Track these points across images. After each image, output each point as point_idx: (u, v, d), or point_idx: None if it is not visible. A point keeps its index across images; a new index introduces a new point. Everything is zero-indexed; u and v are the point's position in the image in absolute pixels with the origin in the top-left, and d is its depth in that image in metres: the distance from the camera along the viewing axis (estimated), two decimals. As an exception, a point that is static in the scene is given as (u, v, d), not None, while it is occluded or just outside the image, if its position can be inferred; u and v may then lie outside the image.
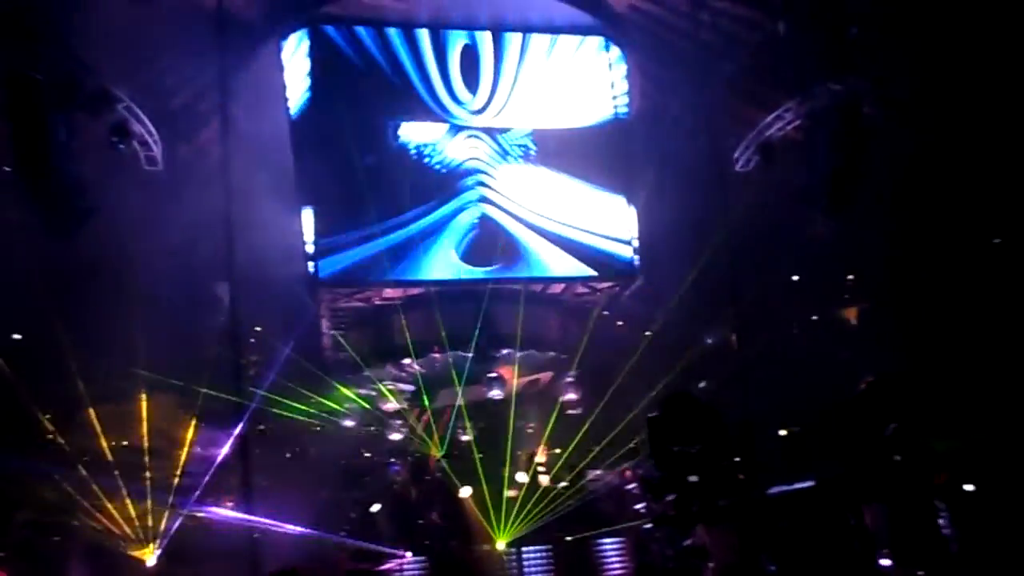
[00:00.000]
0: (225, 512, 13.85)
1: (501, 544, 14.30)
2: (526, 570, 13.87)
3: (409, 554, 13.91)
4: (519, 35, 16.25)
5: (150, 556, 13.51)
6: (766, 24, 14.15)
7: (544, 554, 14.06)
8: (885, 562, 9.20)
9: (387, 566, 13.75)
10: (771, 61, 14.35)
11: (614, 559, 14.31)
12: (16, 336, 13.62)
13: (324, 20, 15.34)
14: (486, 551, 14.26)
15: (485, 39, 16.08)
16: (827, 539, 9.28)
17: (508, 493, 14.91)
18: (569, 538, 14.32)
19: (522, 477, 15.34)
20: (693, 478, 9.51)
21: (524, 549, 14.07)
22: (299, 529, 13.53)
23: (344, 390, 16.07)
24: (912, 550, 9.05)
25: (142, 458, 14.30)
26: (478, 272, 15.79)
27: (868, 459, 8.94)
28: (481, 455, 15.37)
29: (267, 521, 13.22)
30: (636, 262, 16.67)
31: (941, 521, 8.72)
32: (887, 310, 15.34)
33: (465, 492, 14.77)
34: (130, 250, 13.21)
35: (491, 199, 16.07)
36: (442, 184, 15.85)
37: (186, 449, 14.71)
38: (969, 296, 13.55)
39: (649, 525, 14.48)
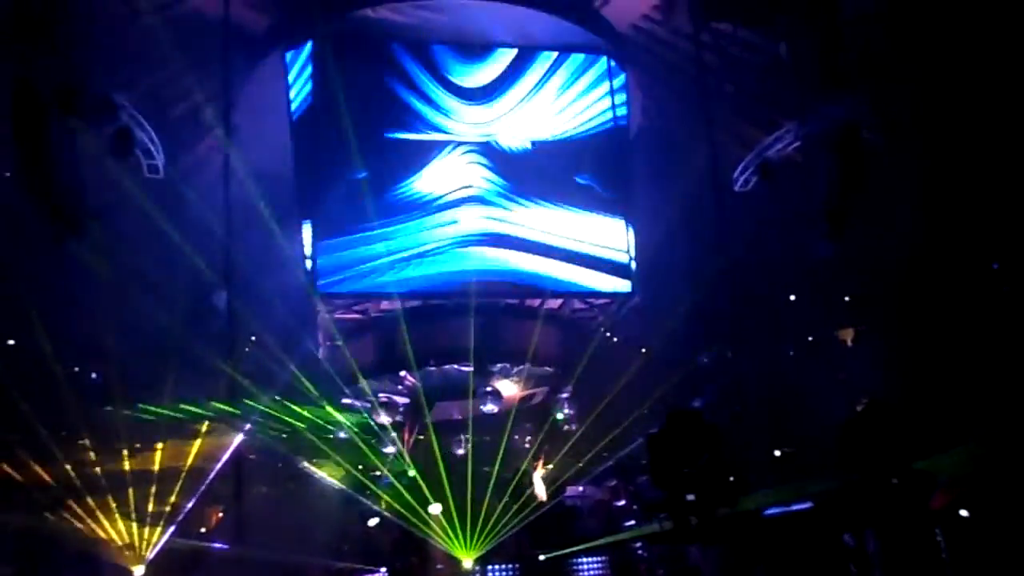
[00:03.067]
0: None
1: (468, 561, 14.05)
2: None
3: (383, 570, 13.85)
4: (523, 52, 16.33)
5: (139, 566, 13.45)
6: (767, 47, 14.27)
7: (510, 572, 13.71)
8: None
9: None
10: (772, 83, 14.47)
11: None
12: (10, 342, 13.61)
13: (329, 35, 15.37)
14: (449, 568, 14.04)
15: (489, 56, 16.16)
16: (823, 562, 9.27)
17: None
18: (543, 556, 14.13)
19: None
20: (691, 497, 9.51)
21: (490, 567, 13.77)
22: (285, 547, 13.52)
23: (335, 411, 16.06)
24: (907, 573, 9.06)
25: (132, 469, 14.28)
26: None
27: (865, 482, 8.95)
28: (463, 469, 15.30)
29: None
30: (633, 279, 16.66)
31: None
32: (884, 332, 15.41)
33: (435, 509, 14.63)
34: (129, 258, 13.23)
35: (488, 215, 16.06)
36: (441, 198, 15.84)
37: (164, 458, 14.69)
38: (967, 318, 13.62)
39: (638, 543, 14.43)
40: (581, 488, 16.08)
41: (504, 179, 16.14)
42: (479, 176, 16.04)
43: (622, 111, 16.79)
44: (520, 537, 14.42)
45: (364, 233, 15.17)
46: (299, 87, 15.44)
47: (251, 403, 14.45)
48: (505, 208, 16.04)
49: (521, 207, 16.12)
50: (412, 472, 15.72)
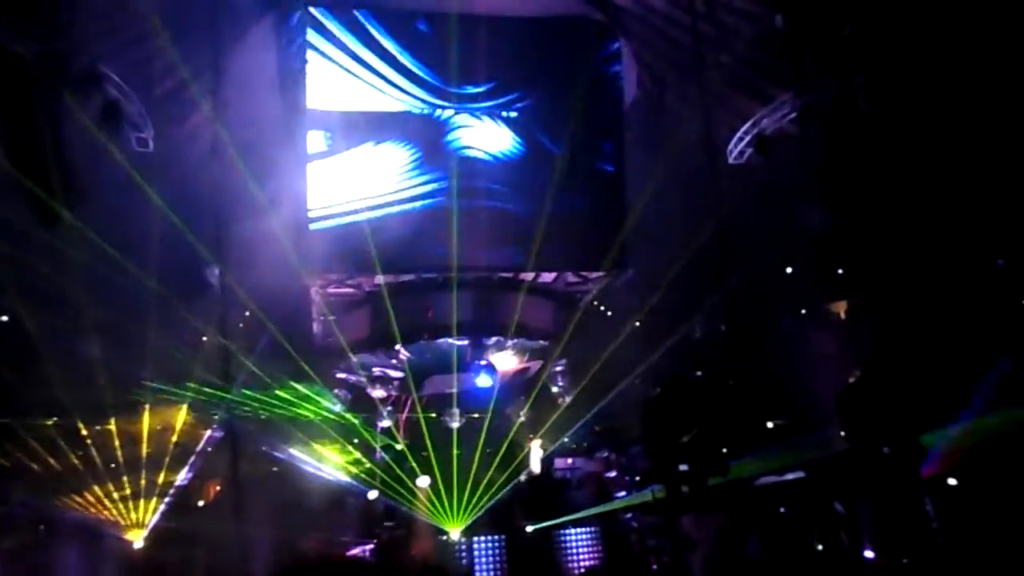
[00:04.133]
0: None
1: (455, 533, 14.10)
2: (476, 560, 13.51)
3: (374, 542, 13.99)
4: (516, 22, 16.09)
5: (138, 539, 13.57)
6: (763, 16, 14.11)
7: (496, 543, 13.66)
8: (869, 554, 9.34)
9: (354, 551, 13.83)
10: (768, 54, 14.32)
11: (582, 549, 13.97)
12: (3, 318, 13.54)
13: (319, 3, 15.13)
14: (434, 540, 14.04)
15: (483, 25, 15.90)
16: (814, 529, 9.37)
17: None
18: (530, 528, 14.12)
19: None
20: (683, 467, 9.59)
21: (475, 539, 13.72)
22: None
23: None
24: (897, 541, 9.17)
25: (131, 443, 14.34)
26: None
27: (857, 451, 9.03)
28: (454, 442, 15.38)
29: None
30: (627, 251, 16.59)
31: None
32: (876, 304, 15.44)
33: (423, 482, 14.69)
34: (120, 234, 13.13)
35: (482, 186, 15.92)
36: (435, 167, 15.68)
37: (175, 435, 14.77)
38: (960, 291, 13.64)
39: (629, 514, 14.56)
40: (570, 460, 16.15)
41: (500, 148, 16.00)
42: (476, 140, 15.90)
43: (617, 82, 16.59)
44: (508, 509, 14.50)
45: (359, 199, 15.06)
46: (289, 56, 15.23)
47: (225, 394, 14.40)
48: (500, 176, 15.90)
49: (515, 170, 15.99)
50: (400, 446, 15.82)
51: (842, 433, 9.28)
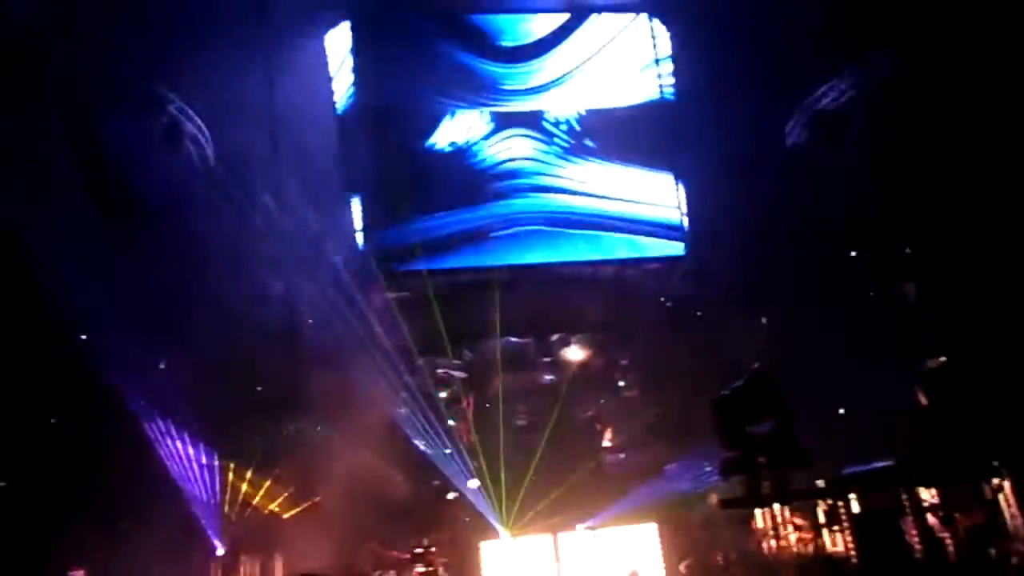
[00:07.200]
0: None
1: (507, 534, 14.10)
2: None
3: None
4: (565, 15, 15.97)
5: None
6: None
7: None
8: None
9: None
10: (824, 33, 13.98)
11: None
12: (83, 336, 13.91)
13: (369, 9, 15.23)
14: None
15: (532, 20, 15.81)
16: (905, 519, 9.12)
17: None
18: (583, 526, 13.82)
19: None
20: (762, 459, 9.40)
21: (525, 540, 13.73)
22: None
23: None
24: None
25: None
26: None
27: (944, 439, 8.77)
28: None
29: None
30: (686, 241, 16.39)
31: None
32: (945, 286, 14.96)
33: (473, 484, 14.76)
34: (187, 249, 13.39)
35: (538, 189, 15.88)
36: (488, 177, 15.68)
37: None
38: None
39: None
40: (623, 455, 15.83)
41: (554, 145, 15.90)
42: (529, 147, 15.82)
43: (668, 71, 16.37)
44: (564, 508, 14.32)
45: (416, 207, 15.10)
46: (342, 64, 15.34)
47: None
48: (559, 167, 15.77)
49: (573, 165, 15.86)
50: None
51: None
